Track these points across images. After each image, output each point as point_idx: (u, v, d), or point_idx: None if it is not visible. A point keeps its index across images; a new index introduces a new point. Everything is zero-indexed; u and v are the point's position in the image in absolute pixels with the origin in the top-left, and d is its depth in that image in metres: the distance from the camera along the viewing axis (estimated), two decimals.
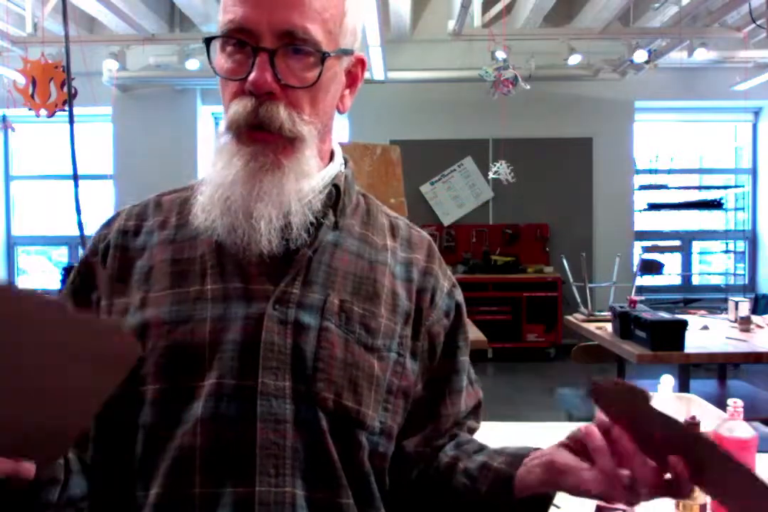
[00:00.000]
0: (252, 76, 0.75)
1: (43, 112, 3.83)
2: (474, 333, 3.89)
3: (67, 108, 2.85)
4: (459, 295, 0.94)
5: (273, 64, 0.75)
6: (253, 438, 0.74)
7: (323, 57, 0.78)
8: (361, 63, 0.90)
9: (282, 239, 0.79)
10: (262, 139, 0.78)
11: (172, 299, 0.80)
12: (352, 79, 0.90)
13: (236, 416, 0.75)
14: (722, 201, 7.17)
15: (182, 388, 0.76)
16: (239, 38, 0.77)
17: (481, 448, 0.88)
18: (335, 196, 0.86)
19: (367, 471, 0.80)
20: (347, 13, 0.82)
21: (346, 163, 0.92)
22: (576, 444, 0.75)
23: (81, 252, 0.91)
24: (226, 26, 0.77)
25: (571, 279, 4.68)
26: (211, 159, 0.82)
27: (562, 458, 0.75)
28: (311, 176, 0.81)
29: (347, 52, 0.84)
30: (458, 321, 0.93)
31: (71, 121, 2.22)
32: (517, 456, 0.82)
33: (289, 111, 0.78)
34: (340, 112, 0.89)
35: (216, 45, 0.80)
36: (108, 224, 0.91)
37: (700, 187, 7.54)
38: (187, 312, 0.79)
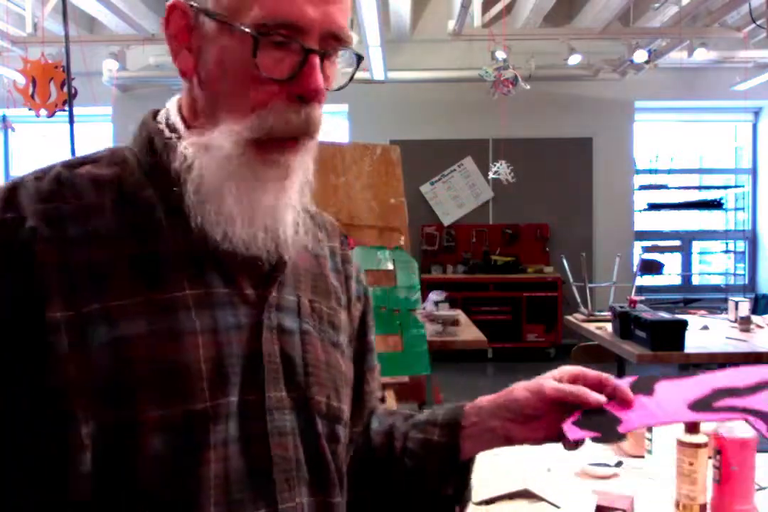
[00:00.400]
0: (313, 80, 0.69)
1: (43, 112, 3.84)
2: (474, 333, 3.88)
3: (67, 108, 2.85)
4: (364, 278, 0.95)
5: (322, 67, 0.70)
6: (268, 456, 0.71)
7: (358, 60, 0.75)
8: None
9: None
10: (292, 146, 0.72)
11: (144, 308, 0.67)
12: None
13: (250, 435, 0.70)
14: (722, 201, 7.18)
15: (186, 412, 0.67)
16: (284, 35, 0.68)
17: (405, 418, 0.90)
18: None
19: (341, 465, 0.80)
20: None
21: None
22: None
23: None
24: (263, 20, 0.68)
25: (571, 279, 4.67)
26: (213, 154, 0.71)
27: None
28: (308, 174, 0.79)
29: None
30: (368, 303, 0.93)
31: (71, 121, 2.22)
32: (453, 426, 0.84)
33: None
34: None
35: (244, 37, 0.69)
36: (10, 204, 0.68)
37: (700, 187, 7.55)
38: (169, 323, 0.67)
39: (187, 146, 0.72)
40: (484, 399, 0.84)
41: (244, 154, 0.70)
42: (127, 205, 0.71)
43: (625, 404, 0.78)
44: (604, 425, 0.76)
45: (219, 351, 0.69)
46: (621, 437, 0.77)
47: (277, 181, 0.72)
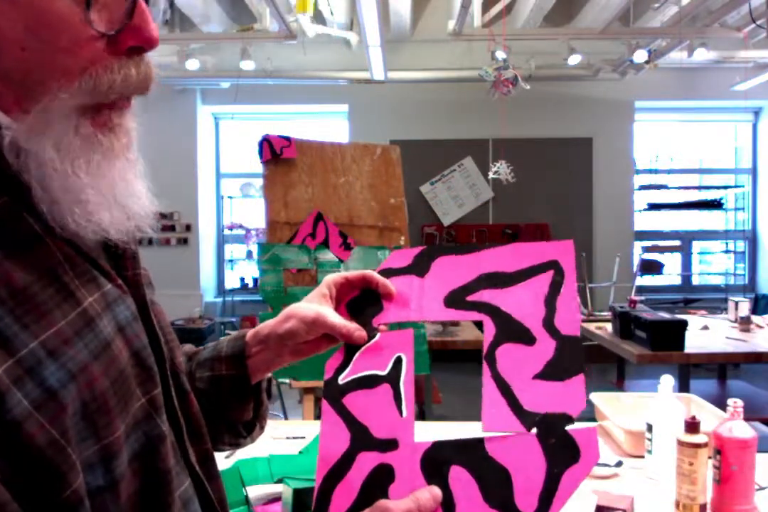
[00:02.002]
0: (150, 28, 0.60)
1: None
2: (474, 333, 3.89)
3: None
4: None
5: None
6: (179, 424, 0.71)
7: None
8: None
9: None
10: (126, 106, 0.65)
11: (73, 331, 0.58)
12: None
13: (179, 410, 0.72)
14: (722, 201, 7.17)
15: (133, 415, 0.63)
16: None
17: (189, 357, 0.89)
18: None
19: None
20: None
21: None
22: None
23: None
24: None
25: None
26: (55, 143, 0.60)
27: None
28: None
29: None
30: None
31: None
32: (238, 357, 0.86)
33: None
34: None
35: None
36: None
37: (700, 187, 7.55)
38: (96, 338, 0.60)
39: (14, 135, 0.58)
40: (266, 326, 0.86)
41: (80, 126, 0.60)
42: None
43: (389, 298, 0.83)
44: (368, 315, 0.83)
45: (132, 348, 0.64)
46: (374, 330, 0.82)
47: (123, 150, 0.65)
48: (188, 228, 7.06)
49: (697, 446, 1.31)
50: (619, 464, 1.58)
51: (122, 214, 0.65)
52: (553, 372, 0.71)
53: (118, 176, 0.64)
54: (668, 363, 3.23)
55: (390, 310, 0.82)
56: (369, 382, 0.79)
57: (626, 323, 3.42)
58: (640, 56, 5.54)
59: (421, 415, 3.52)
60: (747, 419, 1.34)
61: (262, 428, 0.93)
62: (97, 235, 0.63)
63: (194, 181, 7.07)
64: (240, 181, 7.35)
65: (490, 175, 5.85)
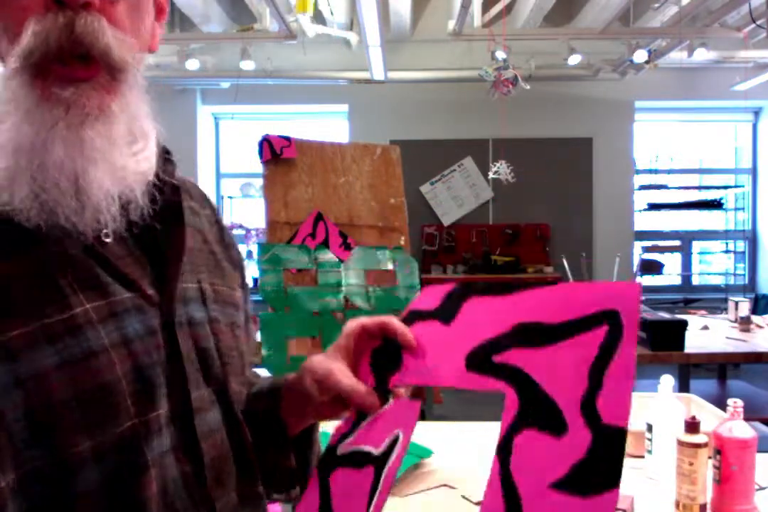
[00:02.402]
0: None
1: None
2: None
3: None
4: (233, 236, 0.84)
5: None
6: (201, 460, 0.65)
7: None
8: None
9: (123, 211, 0.61)
10: (80, 75, 0.57)
11: (46, 336, 0.56)
12: (159, 8, 0.72)
13: (182, 444, 0.65)
14: (722, 201, 7.17)
15: (117, 435, 0.59)
16: None
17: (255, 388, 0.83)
18: (165, 154, 0.71)
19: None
20: None
21: None
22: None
23: None
24: None
25: (571, 279, 4.67)
26: None
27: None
28: (144, 124, 0.65)
29: None
30: (244, 268, 0.84)
31: None
32: (275, 394, 0.78)
33: (113, 29, 0.59)
34: (151, 51, 0.71)
35: None
36: None
37: (700, 187, 7.54)
38: (78, 347, 0.57)
39: None
40: (288, 378, 0.77)
41: (24, 94, 0.56)
42: None
43: (410, 350, 0.70)
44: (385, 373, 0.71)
45: (135, 363, 0.61)
46: (388, 392, 0.71)
47: (67, 125, 0.57)
48: None
49: (697, 446, 1.31)
50: None
51: (67, 202, 0.57)
52: (579, 480, 0.53)
53: (56, 155, 0.56)
54: (668, 363, 3.22)
55: (408, 369, 0.70)
56: (360, 460, 0.67)
57: None
58: (640, 56, 5.54)
59: (422, 415, 3.52)
60: (747, 419, 1.34)
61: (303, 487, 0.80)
62: (37, 219, 0.56)
63: (194, 181, 7.06)
64: (240, 181, 7.35)
65: (490, 175, 5.85)
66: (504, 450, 0.58)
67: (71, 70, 0.57)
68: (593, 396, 0.55)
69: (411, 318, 0.72)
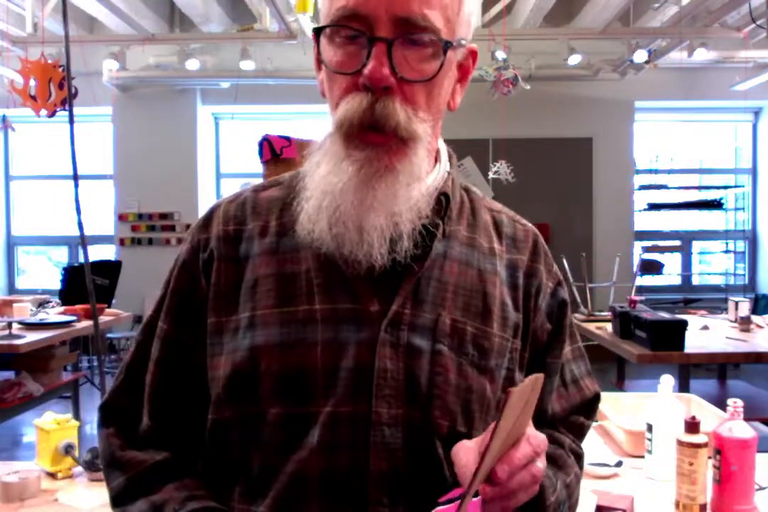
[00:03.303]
0: (368, 68, 0.69)
1: (43, 112, 3.83)
2: None
3: (67, 108, 2.85)
4: (564, 293, 0.87)
5: (390, 55, 0.69)
6: (366, 467, 0.72)
7: (445, 47, 0.72)
8: (473, 55, 0.81)
9: (391, 250, 0.74)
10: (375, 141, 0.72)
11: (281, 319, 0.75)
12: (464, 72, 0.81)
13: (349, 445, 0.72)
14: (722, 201, 7.17)
15: (300, 414, 0.73)
16: (352, 27, 0.70)
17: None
18: (445, 203, 0.80)
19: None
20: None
21: (450, 160, 0.87)
22: None
23: (180, 253, 0.84)
24: (337, 13, 0.71)
25: (571, 279, 4.67)
26: (316, 159, 0.76)
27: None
28: (422, 180, 0.76)
29: (462, 44, 0.76)
30: (561, 322, 0.86)
31: (71, 121, 2.22)
32: None
33: (406, 108, 0.72)
34: (451, 109, 0.82)
35: (323, 37, 0.74)
36: (206, 226, 0.83)
37: (700, 187, 7.54)
38: (298, 334, 0.74)
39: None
40: None
41: (334, 151, 0.74)
42: (282, 226, 0.80)
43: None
44: None
45: (332, 363, 0.73)
46: None
47: (360, 180, 0.72)
48: (188, 228, 7.06)
49: (697, 446, 1.31)
50: (619, 464, 1.58)
51: (348, 234, 0.73)
52: None
53: (350, 201, 0.72)
54: (668, 363, 3.22)
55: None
56: None
57: (626, 323, 3.42)
58: (640, 56, 5.54)
59: None
60: (747, 419, 1.34)
61: None
62: (320, 248, 0.75)
63: (194, 181, 7.06)
64: (240, 181, 7.34)
65: (490, 175, 5.85)
66: None
67: (370, 136, 0.72)
68: None
69: None
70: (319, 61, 0.78)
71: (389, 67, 0.69)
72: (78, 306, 4.15)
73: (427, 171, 0.78)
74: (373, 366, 0.72)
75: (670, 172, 7.32)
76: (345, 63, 0.72)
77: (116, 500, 0.81)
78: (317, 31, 0.75)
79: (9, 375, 3.91)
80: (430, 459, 0.73)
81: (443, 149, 0.87)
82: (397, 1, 0.69)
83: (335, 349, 0.73)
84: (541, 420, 0.82)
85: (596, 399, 0.91)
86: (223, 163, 7.58)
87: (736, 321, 3.83)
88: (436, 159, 0.83)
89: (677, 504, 1.33)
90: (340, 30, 0.72)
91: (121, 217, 7.06)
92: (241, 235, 0.81)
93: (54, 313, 4.29)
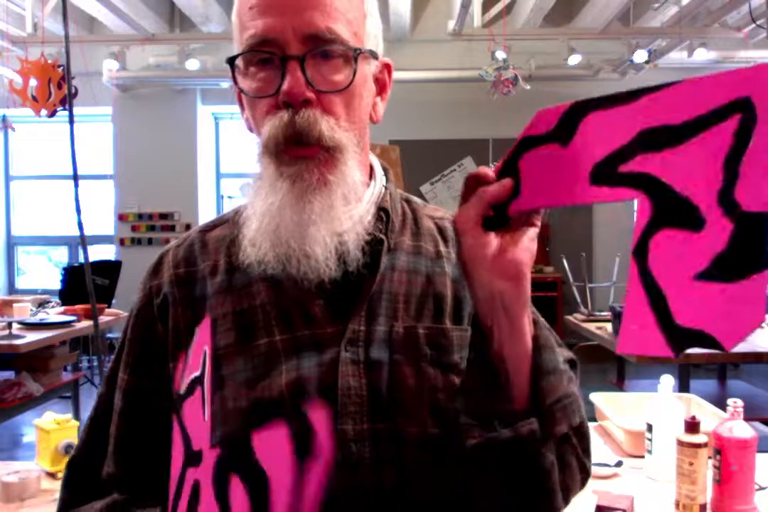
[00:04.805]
0: (285, 84, 0.72)
1: (43, 112, 3.83)
2: None
3: (66, 108, 2.85)
4: None
5: (304, 70, 0.72)
6: (337, 484, 0.72)
7: (355, 54, 0.75)
8: (388, 68, 0.84)
9: (339, 262, 0.75)
10: (302, 154, 0.73)
11: (244, 356, 0.76)
12: (381, 85, 0.84)
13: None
14: None
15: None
16: (265, 51, 0.73)
17: None
18: (385, 218, 0.82)
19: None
20: (368, 15, 0.79)
21: (386, 174, 0.88)
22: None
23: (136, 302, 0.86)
24: (248, 42, 0.74)
25: (571, 280, 4.67)
26: (254, 188, 0.78)
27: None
28: (358, 190, 0.77)
29: (374, 54, 0.80)
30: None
31: (71, 121, 2.22)
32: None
33: (327, 118, 0.74)
34: (373, 122, 0.84)
35: (239, 67, 0.77)
36: (156, 273, 0.86)
37: None
38: (261, 369, 0.75)
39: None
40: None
41: (269, 174, 0.75)
42: (231, 263, 0.81)
43: (526, 179, 0.67)
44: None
45: (296, 389, 0.74)
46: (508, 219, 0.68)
47: (294, 196, 0.73)
48: (188, 228, 7.06)
49: (697, 446, 1.31)
50: (619, 464, 1.58)
51: (292, 255, 0.74)
52: (723, 269, 0.54)
53: (287, 219, 0.73)
54: (668, 363, 3.22)
55: (526, 195, 0.66)
56: (189, 389, 0.79)
57: None
58: (640, 56, 5.54)
59: None
60: (747, 419, 1.34)
61: None
62: (268, 270, 0.75)
63: (194, 181, 7.07)
64: (240, 180, 7.34)
65: None
66: (640, 251, 0.58)
67: (296, 151, 0.73)
68: (730, 188, 0.54)
69: (524, 145, 0.68)
70: (241, 101, 0.81)
71: (305, 81, 0.72)
72: (78, 306, 4.16)
73: (364, 186, 0.79)
74: (337, 385, 0.74)
75: None
76: (262, 88, 0.75)
77: None
78: (232, 63, 0.77)
79: (9, 375, 3.91)
80: (400, 467, 0.74)
81: (377, 164, 0.87)
82: (303, 20, 0.72)
83: (298, 375, 0.74)
84: None
85: (574, 361, 0.89)
86: (223, 162, 7.58)
87: None
88: (371, 176, 0.84)
89: (677, 504, 1.33)
90: (254, 56, 0.74)
91: (121, 217, 7.06)
92: (194, 276, 0.82)
93: (54, 313, 4.29)
